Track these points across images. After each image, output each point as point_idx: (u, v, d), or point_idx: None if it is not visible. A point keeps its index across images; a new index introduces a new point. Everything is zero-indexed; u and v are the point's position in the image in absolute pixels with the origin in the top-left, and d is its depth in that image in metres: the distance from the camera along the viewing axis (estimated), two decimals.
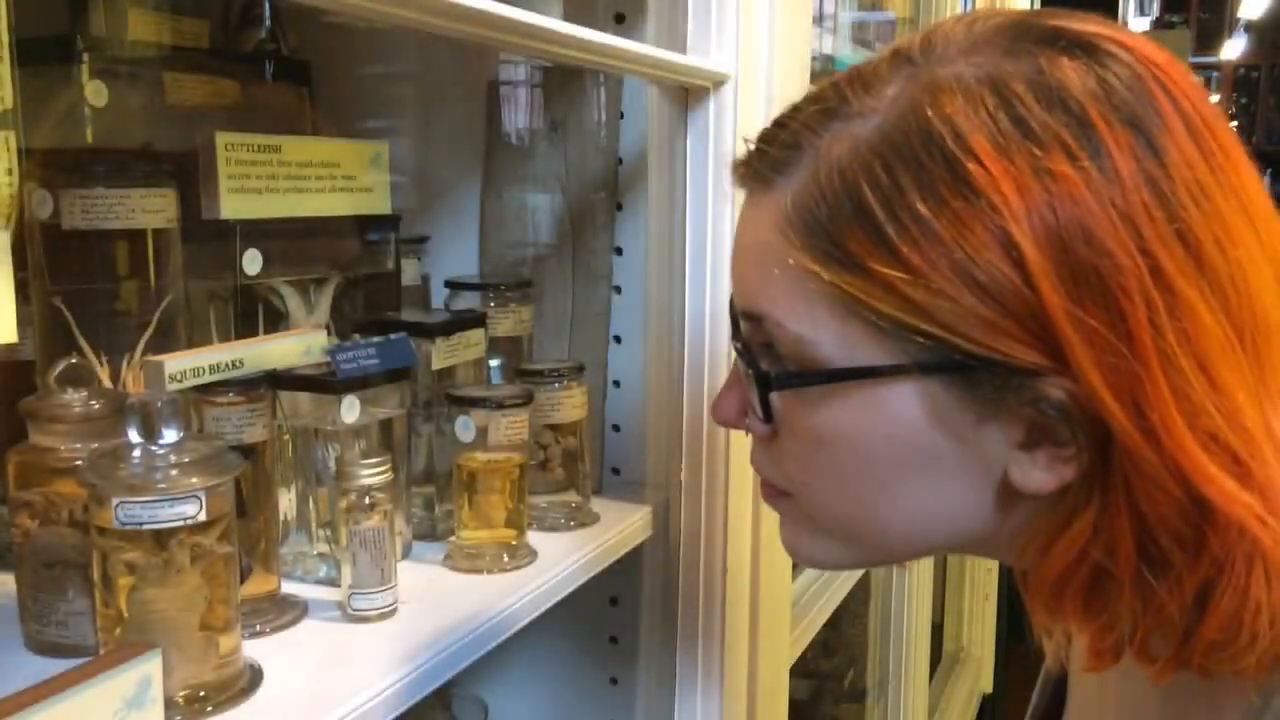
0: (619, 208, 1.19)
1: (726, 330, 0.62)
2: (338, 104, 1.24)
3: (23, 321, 0.70)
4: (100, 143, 0.88)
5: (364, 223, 1.03)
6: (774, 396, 0.57)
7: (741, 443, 1.11)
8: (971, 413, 0.52)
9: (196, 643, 0.69)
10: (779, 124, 0.57)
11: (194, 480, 0.66)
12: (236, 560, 0.72)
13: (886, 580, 2.22)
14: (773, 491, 0.62)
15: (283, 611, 0.84)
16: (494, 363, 1.12)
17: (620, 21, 1.14)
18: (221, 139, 0.86)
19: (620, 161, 1.19)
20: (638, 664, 1.23)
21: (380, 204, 1.03)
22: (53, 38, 0.89)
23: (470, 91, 1.25)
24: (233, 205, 0.87)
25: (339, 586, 0.86)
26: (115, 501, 0.65)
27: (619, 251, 1.20)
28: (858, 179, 0.51)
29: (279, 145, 0.91)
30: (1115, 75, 0.50)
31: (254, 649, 0.77)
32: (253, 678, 0.73)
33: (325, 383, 0.87)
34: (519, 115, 1.22)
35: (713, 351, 1.12)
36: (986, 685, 2.94)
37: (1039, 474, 0.52)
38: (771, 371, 0.56)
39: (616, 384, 1.21)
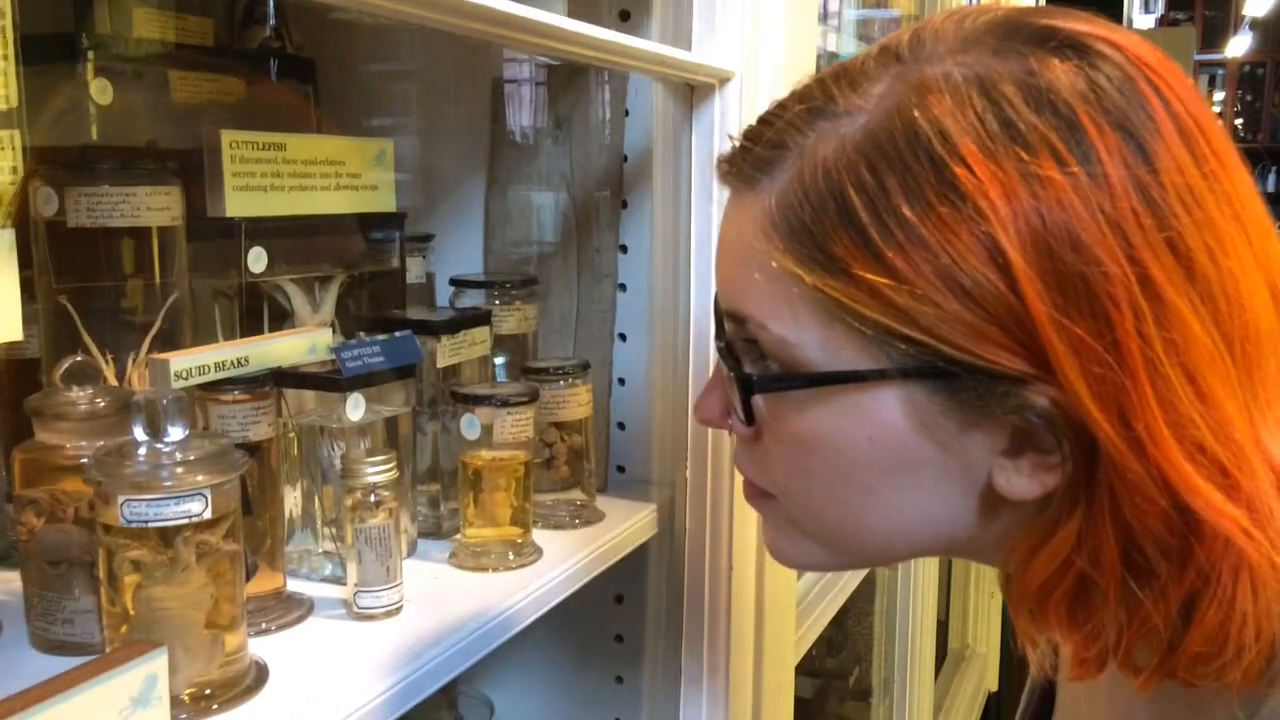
0: (624, 205, 1.19)
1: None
2: (342, 102, 1.24)
3: (28, 319, 0.69)
4: (105, 140, 0.88)
5: (369, 220, 1.03)
6: (757, 399, 0.56)
7: None
8: (955, 419, 0.51)
9: (202, 641, 0.69)
10: (764, 121, 0.56)
11: (199, 478, 0.66)
12: (242, 558, 0.72)
13: (892, 578, 2.22)
14: (755, 492, 0.62)
15: (288, 609, 0.84)
16: (499, 360, 1.12)
17: (625, 19, 1.14)
18: (226, 136, 0.86)
19: (625, 159, 1.18)
20: (643, 662, 1.23)
21: (385, 202, 1.03)
22: (58, 36, 0.89)
23: (475, 89, 1.25)
24: (237, 203, 0.87)
25: (344, 584, 0.86)
26: (121, 499, 0.65)
27: (624, 249, 1.19)
28: (843, 181, 0.50)
29: (284, 143, 0.91)
30: (1106, 77, 0.49)
31: (259, 647, 0.77)
32: (258, 675, 0.73)
33: (330, 380, 0.87)
34: (523, 113, 1.22)
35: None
36: (992, 683, 2.93)
37: (1023, 481, 0.51)
38: (754, 373, 0.56)
39: (621, 382, 1.21)
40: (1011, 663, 2.98)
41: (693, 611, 1.17)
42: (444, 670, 0.79)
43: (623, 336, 1.20)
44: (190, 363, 0.77)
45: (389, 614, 0.84)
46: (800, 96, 0.55)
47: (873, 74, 0.53)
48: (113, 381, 0.81)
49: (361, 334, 0.97)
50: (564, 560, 0.98)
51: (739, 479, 1.14)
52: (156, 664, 0.57)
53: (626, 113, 1.18)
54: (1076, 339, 0.47)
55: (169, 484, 0.66)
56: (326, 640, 0.81)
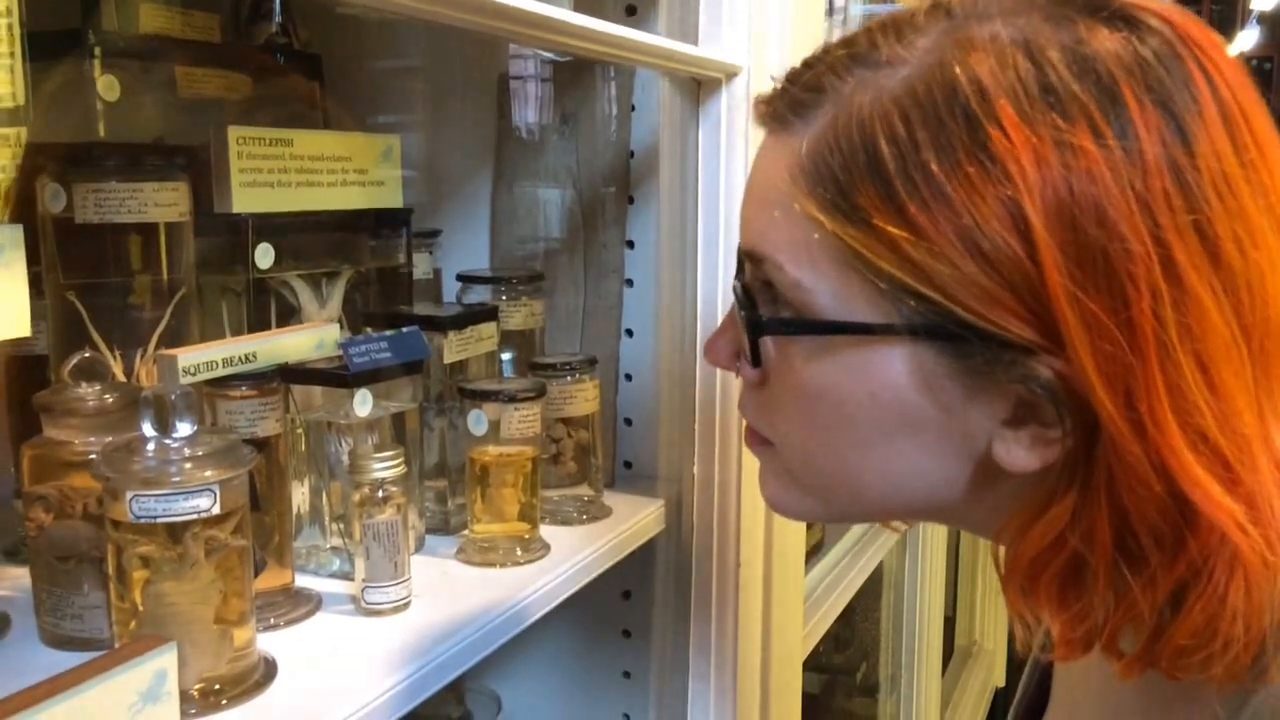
0: (630, 201, 1.19)
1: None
2: (349, 98, 1.24)
3: (36, 316, 0.70)
4: (112, 136, 0.88)
5: (376, 216, 1.03)
6: (765, 343, 0.56)
7: None
8: (960, 383, 0.51)
9: (211, 636, 0.69)
10: (806, 64, 0.55)
11: (208, 474, 0.66)
12: (250, 554, 0.72)
13: (899, 574, 2.21)
14: (756, 439, 0.62)
15: (296, 605, 0.84)
16: (506, 356, 1.12)
17: (631, 14, 1.13)
18: (233, 133, 0.86)
19: (632, 154, 1.18)
20: (650, 657, 1.23)
21: (392, 198, 1.03)
22: (65, 32, 0.89)
23: (481, 85, 1.24)
24: (245, 199, 0.87)
25: (352, 580, 0.86)
26: (129, 495, 0.65)
27: (631, 245, 1.19)
28: (875, 131, 0.50)
29: (291, 139, 0.91)
30: (1154, 52, 0.48)
31: (268, 642, 0.77)
32: (267, 671, 0.73)
33: (338, 376, 0.87)
34: (530, 109, 1.22)
35: None
36: (999, 679, 2.93)
37: (1022, 453, 0.51)
38: (765, 316, 0.56)
39: (629, 377, 1.21)
40: (1019, 659, 2.97)
41: (700, 607, 1.17)
42: (452, 666, 0.79)
43: (630, 332, 1.20)
44: (198, 358, 0.77)
45: (397, 609, 0.84)
46: (845, 43, 0.54)
47: (921, 27, 0.52)
48: (121, 377, 0.81)
49: (369, 330, 0.97)
50: (571, 556, 0.98)
51: (746, 474, 1.15)
52: (166, 659, 0.57)
53: (633, 108, 1.18)
54: (1090, 314, 0.47)
55: (177, 479, 0.66)
56: (334, 636, 0.81)
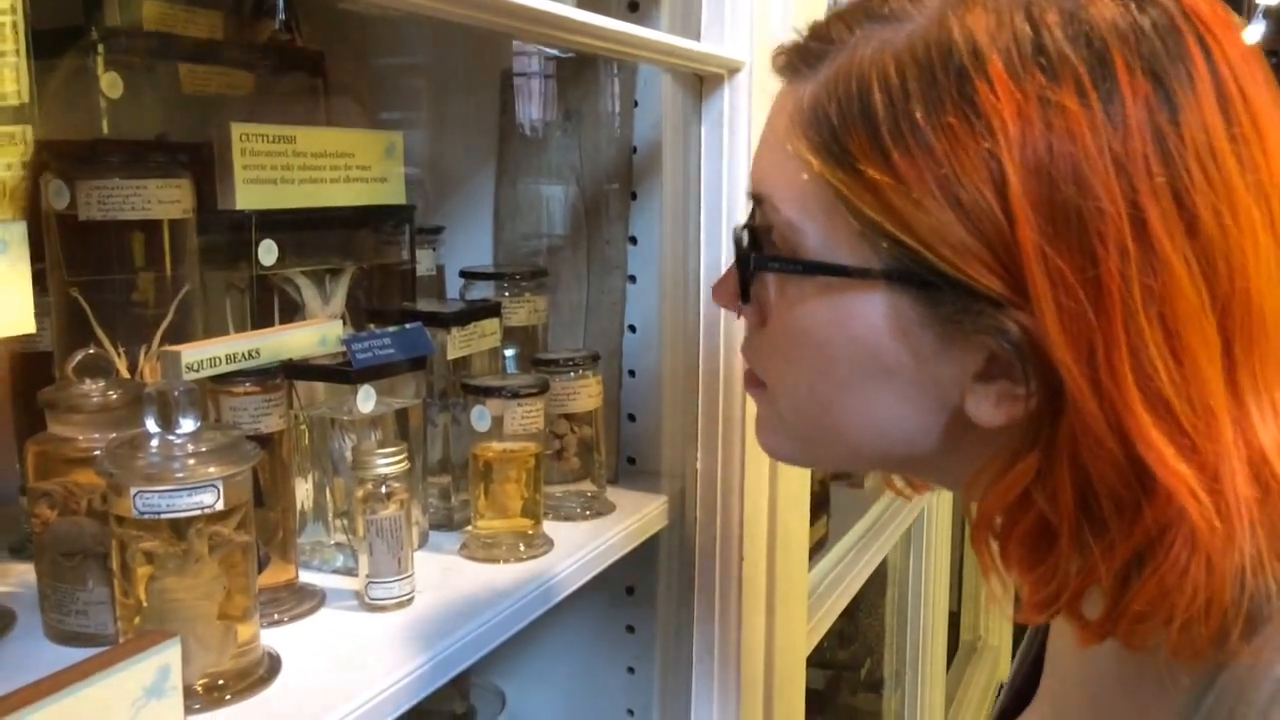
0: (633, 197, 1.19)
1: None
2: (352, 94, 1.24)
3: (40, 312, 0.70)
4: (116, 134, 0.88)
5: (379, 213, 1.03)
6: (763, 285, 0.58)
7: None
8: (932, 331, 0.52)
9: (215, 631, 0.69)
10: (825, 19, 0.57)
11: (211, 470, 0.67)
12: (254, 549, 0.72)
13: (903, 570, 2.21)
14: (752, 380, 0.64)
15: (300, 601, 0.84)
16: (509, 352, 1.12)
17: (634, 9, 1.13)
18: (236, 129, 0.86)
19: (635, 150, 1.18)
20: (654, 653, 1.23)
21: (395, 194, 1.03)
22: (68, 30, 0.89)
23: (484, 82, 1.24)
24: (248, 196, 0.87)
25: (356, 576, 0.86)
26: (133, 491, 0.65)
27: (633, 241, 1.19)
28: (871, 80, 0.52)
29: (294, 136, 0.91)
30: (1153, 23, 0.49)
31: (272, 638, 0.77)
32: (271, 666, 0.73)
33: (341, 372, 0.87)
34: (533, 105, 1.22)
35: (728, 341, 1.12)
36: (1004, 675, 2.93)
37: (989, 408, 0.52)
38: (755, 254, 0.57)
39: (632, 373, 1.21)
40: None
41: (704, 603, 1.17)
42: (455, 661, 0.79)
43: (632, 328, 1.20)
44: (202, 355, 0.77)
45: (400, 605, 0.85)
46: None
47: None
48: (125, 374, 0.81)
49: (372, 326, 0.98)
50: (575, 551, 0.98)
51: (749, 470, 1.15)
52: (170, 654, 0.57)
53: (636, 104, 1.18)
54: (1056, 269, 0.48)
55: (181, 476, 0.66)
56: (338, 631, 0.81)
